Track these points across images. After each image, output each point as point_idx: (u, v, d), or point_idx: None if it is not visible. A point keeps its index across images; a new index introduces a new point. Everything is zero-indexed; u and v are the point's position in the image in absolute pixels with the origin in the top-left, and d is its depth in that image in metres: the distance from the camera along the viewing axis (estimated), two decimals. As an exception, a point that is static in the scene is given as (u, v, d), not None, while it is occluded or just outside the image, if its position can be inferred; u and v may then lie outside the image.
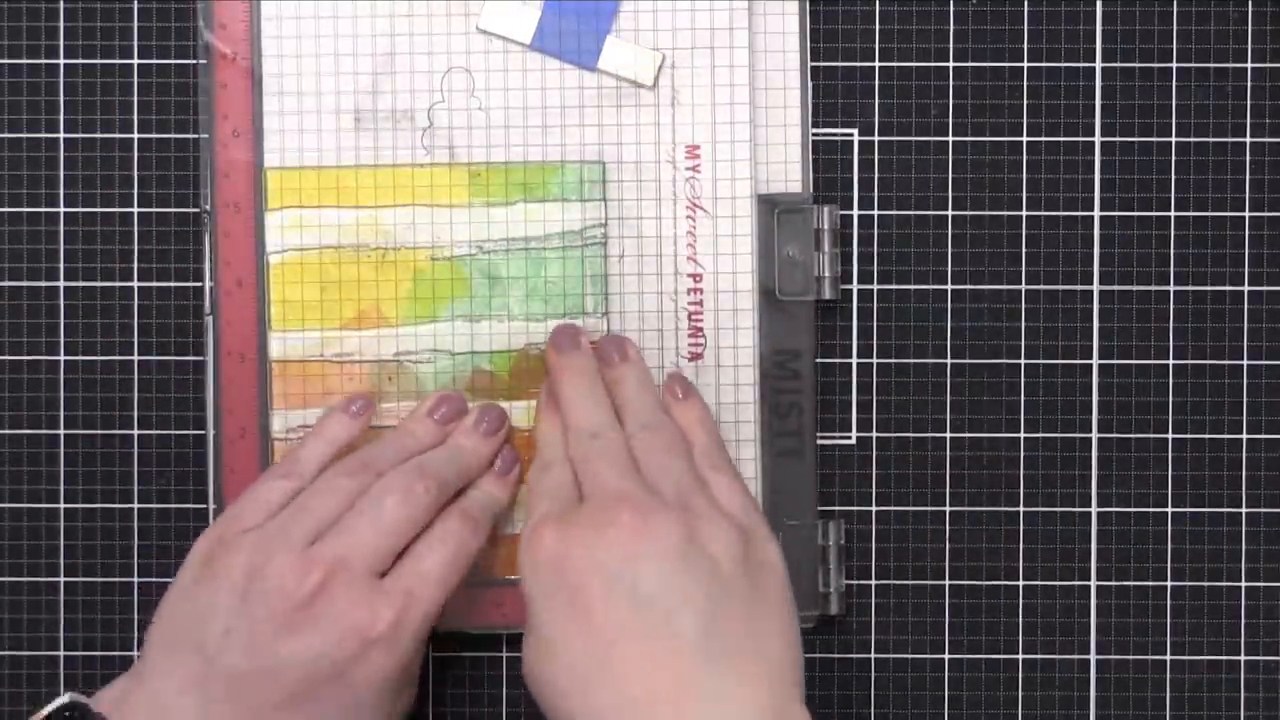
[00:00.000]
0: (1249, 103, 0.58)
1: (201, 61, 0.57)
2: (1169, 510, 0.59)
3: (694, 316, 0.57)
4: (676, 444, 0.53)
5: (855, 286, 0.59)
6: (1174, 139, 0.58)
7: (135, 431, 0.58)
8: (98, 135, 0.58)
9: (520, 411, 0.57)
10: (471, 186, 0.57)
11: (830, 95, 0.58)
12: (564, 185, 0.57)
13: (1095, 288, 0.58)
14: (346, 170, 0.57)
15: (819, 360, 0.58)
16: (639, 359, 0.56)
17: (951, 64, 0.58)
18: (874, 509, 0.59)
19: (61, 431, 0.59)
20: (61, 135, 0.58)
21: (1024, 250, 0.58)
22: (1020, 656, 0.59)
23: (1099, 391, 0.58)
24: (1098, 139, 0.58)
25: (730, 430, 0.57)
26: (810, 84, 0.58)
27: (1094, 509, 0.59)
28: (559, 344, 0.56)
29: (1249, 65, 0.58)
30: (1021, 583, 0.58)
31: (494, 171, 0.57)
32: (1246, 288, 0.58)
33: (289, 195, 0.57)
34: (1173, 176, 0.58)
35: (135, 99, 0.59)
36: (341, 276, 0.57)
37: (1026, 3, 0.59)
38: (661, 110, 0.57)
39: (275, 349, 0.57)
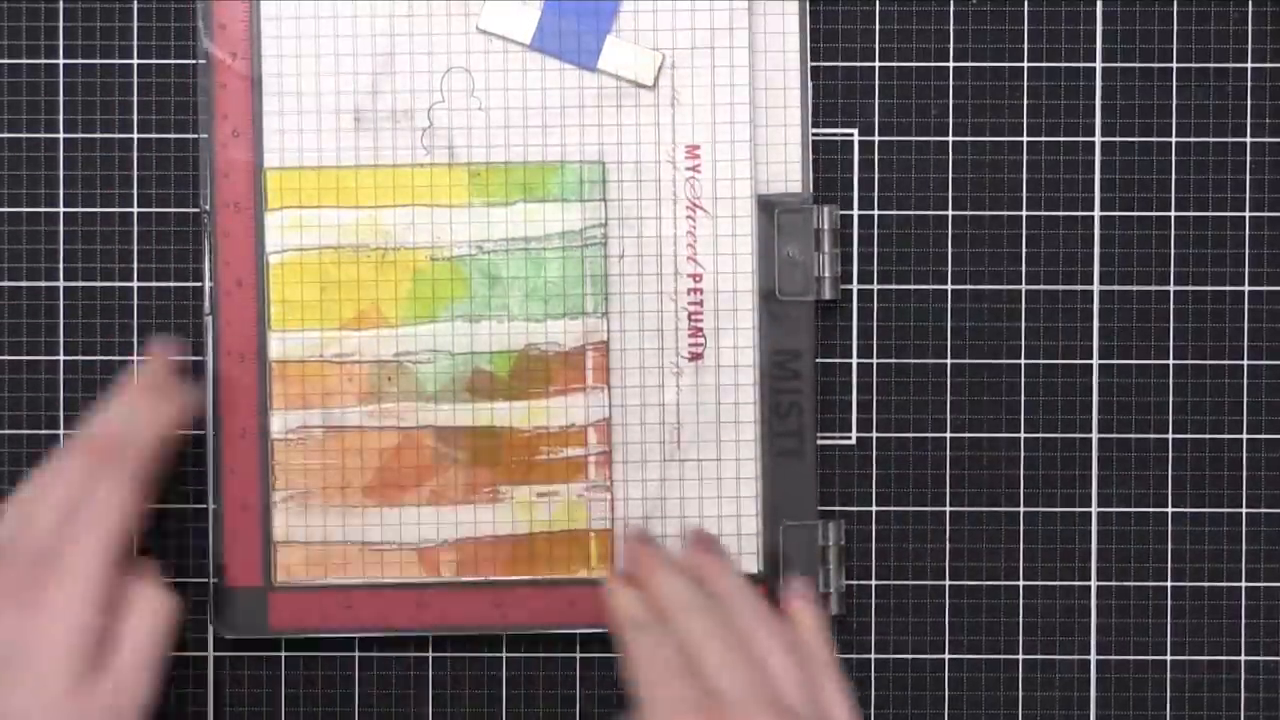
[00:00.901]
0: (1249, 103, 0.58)
1: (201, 62, 0.57)
2: (1169, 510, 0.58)
3: (694, 316, 0.57)
4: (793, 644, 0.52)
5: (855, 286, 0.58)
6: (1174, 139, 0.58)
7: (135, 431, 0.58)
8: (98, 135, 0.58)
9: (520, 413, 0.57)
10: (471, 186, 0.57)
11: (830, 95, 0.58)
12: (564, 185, 0.57)
13: (1095, 288, 0.58)
14: (346, 170, 0.57)
15: (819, 360, 0.58)
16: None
17: (951, 64, 0.58)
18: (874, 509, 0.59)
19: (61, 432, 0.58)
20: (61, 135, 0.58)
21: (1024, 250, 0.58)
22: (1020, 656, 0.58)
23: (1099, 391, 0.58)
24: (1098, 139, 0.58)
25: (730, 430, 0.57)
26: (810, 84, 0.58)
27: (1094, 509, 0.58)
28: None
29: (1249, 65, 0.58)
30: (1022, 583, 0.58)
31: (494, 171, 0.57)
32: (1247, 288, 0.58)
33: (289, 195, 0.57)
34: (1173, 176, 0.58)
35: (135, 99, 0.59)
36: (341, 277, 0.57)
37: (1026, 3, 0.58)
38: (661, 110, 0.57)
39: (275, 349, 0.57)
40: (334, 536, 0.57)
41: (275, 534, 0.57)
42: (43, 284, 0.59)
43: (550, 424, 0.57)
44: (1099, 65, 0.58)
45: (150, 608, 0.51)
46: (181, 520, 0.59)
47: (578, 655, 0.59)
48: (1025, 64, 0.58)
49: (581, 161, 0.57)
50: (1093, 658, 0.59)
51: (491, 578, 0.57)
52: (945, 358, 0.59)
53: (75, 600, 0.50)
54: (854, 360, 0.59)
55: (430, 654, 0.58)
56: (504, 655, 0.59)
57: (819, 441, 0.58)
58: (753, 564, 0.58)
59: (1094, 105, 0.58)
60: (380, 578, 0.57)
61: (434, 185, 0.57)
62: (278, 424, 0.57)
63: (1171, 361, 0.58)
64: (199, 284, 0.58)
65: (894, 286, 0.59)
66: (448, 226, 0.57)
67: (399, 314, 0.57)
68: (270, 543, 0.57)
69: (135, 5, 0.59)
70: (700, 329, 0.57)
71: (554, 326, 0.57)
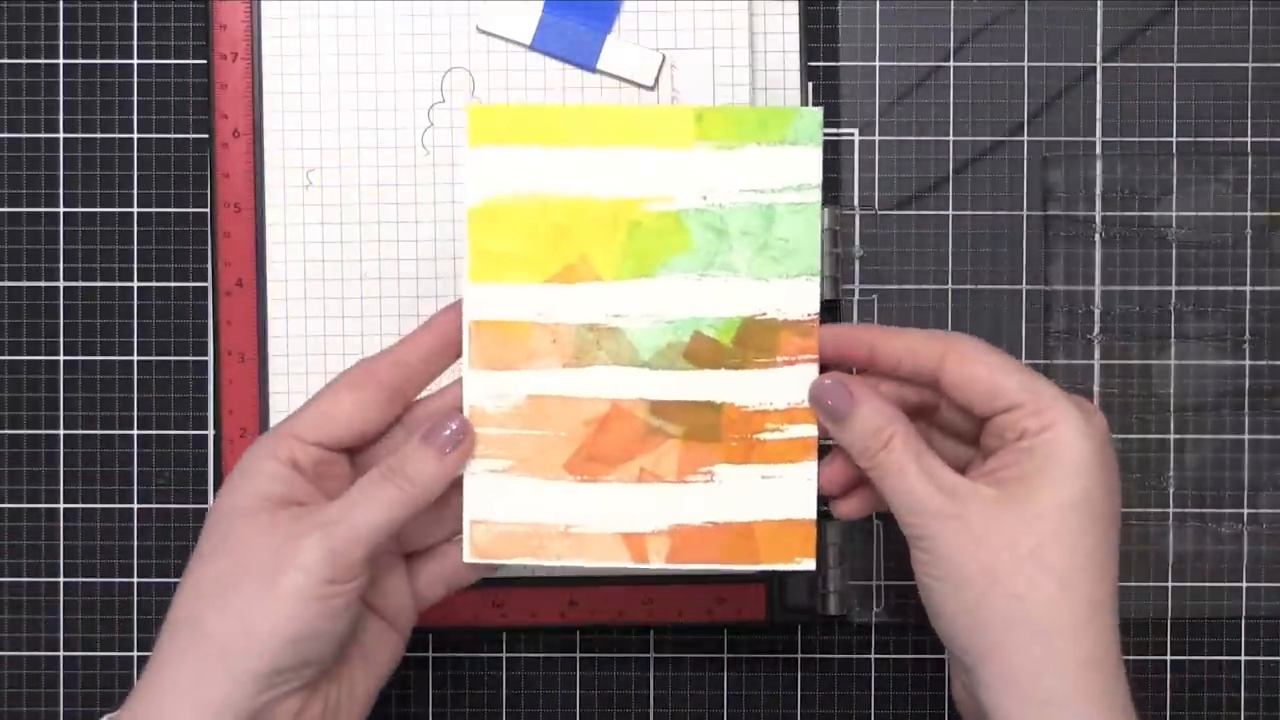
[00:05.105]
0: (1249, 103, 0.58)
1: (201, 61, 0.57)
2: (1169, 510, 0.58)
3: (695, 316, 0.56)
4: None
5: (856, 286, 0.58)
6: (1175, 139, 0.58)
7: (135, 431, 0.58)
8: (98, 135, 0.58)
9: (745, 385, 0.51)
10: (699, 127, 0.50)
11: (830, 95, 0.58)
12: (799, 130, 0.50)
13: (1097, 288, 0.58)
14: (557, 108, 0.52)
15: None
16: None
17: (952, 64, 0.58)
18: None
19: (61, 431, 0.59)
20: (61, 135, 0.58)
21: (1024, 250, 0.58)
22: (1020, 657, 0.58)
23: (1099, 391, 0.58)
24: (1098, 138, 0.58)
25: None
26: (810, 84, 0.58)
27: (1094, 509, 0.58)
28: None
29: (1249, 65, 0.58)
30: (1022, 583, 0.58)
31: (722, 112, 0.51)
32: (1248, 288, 0.58)
33: (494, 132, 0.50)
34: (1174, 176, 0.58)
35: (135, 99, 0.59)
36: (549, 224, 0.50)
37: (1026, 3, 0.59)
38: (662, 110, 0.57)
39: (473, 306, 0.50)
40: (531, 516, 0.51)
41: (469, 510, 0.51)
42: (43, 284, 0.59)
43: (776, 400, 0.51)
44: (1099, 65, 0.58)
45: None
46: (181, 520, 0.59)
47: (578, 655, 0.59)
48: (1026, 64, 0.58)
49: (823, 102, 0.53)
50: (1093, 658, 0.58)
51: (709, 566, 0.51)
52: (945, 358, 0.58)
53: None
54: (854, 360, 0.59)
55: (430, 654, 0.59)
56: (504, 655, 0.59)
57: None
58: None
59: (1094, 105, 0.58)
60: (585, 562, 0.51)
61: (657, 127, 0.51)
62: (472, 388, 0.50)
63: (1173, 362, 0.58)
64: (199, 284, 0.58)
65: (894, 286, 0.58)
66: (670, 172, 0.51)
67: (612, 269, 0.51)
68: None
69: (135, 5, 0.59)
70: (701, 329, 0.57)
71: (786, 288, 0.51)
